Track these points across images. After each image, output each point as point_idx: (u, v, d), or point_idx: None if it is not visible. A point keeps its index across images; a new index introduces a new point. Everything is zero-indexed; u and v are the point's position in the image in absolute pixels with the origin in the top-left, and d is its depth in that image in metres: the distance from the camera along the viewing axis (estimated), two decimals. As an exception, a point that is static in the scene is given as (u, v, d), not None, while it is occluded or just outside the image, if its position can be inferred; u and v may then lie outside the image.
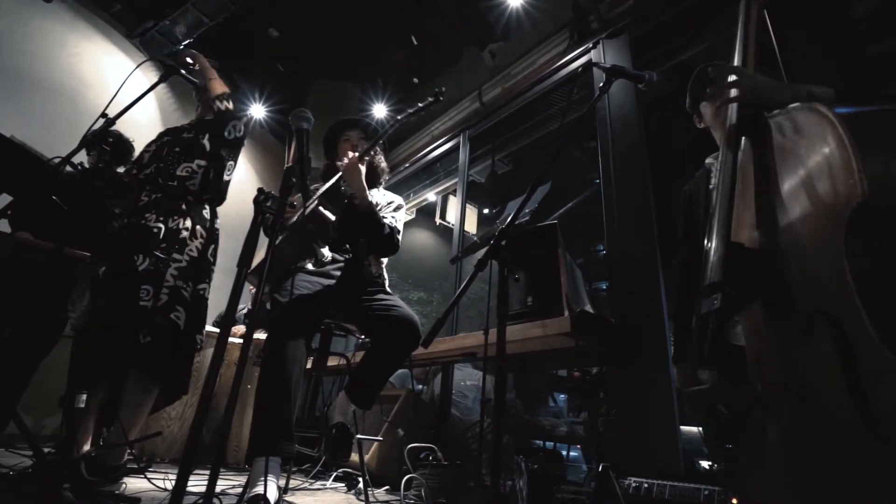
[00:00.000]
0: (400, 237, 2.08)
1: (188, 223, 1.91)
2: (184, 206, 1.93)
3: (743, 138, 1.17)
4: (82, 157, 2.22)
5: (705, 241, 1.14)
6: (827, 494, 0.82)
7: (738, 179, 1.13)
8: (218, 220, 2.10)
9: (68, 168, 1.71)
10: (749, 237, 1.06)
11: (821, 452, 0.84)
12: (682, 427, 1.96)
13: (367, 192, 1.94)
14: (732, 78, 1.20)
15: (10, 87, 3.43)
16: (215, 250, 2.05)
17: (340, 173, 1.94)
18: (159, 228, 1.85)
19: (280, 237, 1.81)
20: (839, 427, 0.80)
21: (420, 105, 1.96)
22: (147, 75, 3.95)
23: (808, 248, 0.91)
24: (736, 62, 1.30)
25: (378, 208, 2.11)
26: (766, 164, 1.06)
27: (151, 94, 2.15)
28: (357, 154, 1.92)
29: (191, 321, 1.84)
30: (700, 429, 2.02)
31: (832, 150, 0.88)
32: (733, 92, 1.21)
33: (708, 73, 1.60)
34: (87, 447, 1.71)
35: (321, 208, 1.86)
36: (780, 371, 0.94)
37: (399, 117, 1.99)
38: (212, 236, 2.02)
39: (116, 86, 1.89)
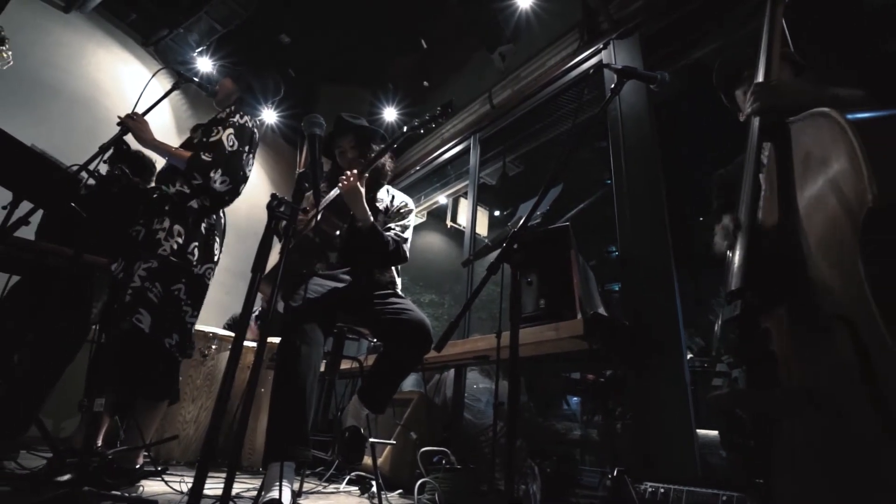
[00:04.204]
0: (408, 245, 2.06)
1: (166, 223, 1.87)
2: (167, 207, 1.90)
3: (768, 143, 1.18)
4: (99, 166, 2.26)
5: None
6: (849, 497, 0.82)
7: (765, 184, 1.14)
8: (212, 219, 2.04)
9: (85, 175, 1.75)
10: (773, 243, 1.07)
11: (842, 456, 0.84)
12: (698, 431, 1.93)
13: (369, 214, 1.90)
14: (753, 91, 1.23)
15: (32, 97, 3.52)
16: (199, 248, 1.97)
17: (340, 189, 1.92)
18: (138, 231, 1.84)
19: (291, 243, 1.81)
20: (860, 431, 0.80)
21: (427, 117, 1.94)
22: (162, 82, 4.01)
23: (825, 253, 0.92)
24: (761, 65, 1.29)
25: (388, 212, 2.11)
26: (787, 169, 1.07)
27: (165, 100, 2.19)
28: (355, 173, 1.86)
29: (158, 323, 1.78)
30: (718, 433, 1.99)
31: (843, 156, 0.89)
32: (747, 108, 1.23)
33: (724, 68, 1.59)
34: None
35: (323, 224, 1.85)
36: (806, 375, 0.95)
37: (405, 129, 1.97)
38: (194, 235, 1.96)
39: (133, 93, 1.92)
